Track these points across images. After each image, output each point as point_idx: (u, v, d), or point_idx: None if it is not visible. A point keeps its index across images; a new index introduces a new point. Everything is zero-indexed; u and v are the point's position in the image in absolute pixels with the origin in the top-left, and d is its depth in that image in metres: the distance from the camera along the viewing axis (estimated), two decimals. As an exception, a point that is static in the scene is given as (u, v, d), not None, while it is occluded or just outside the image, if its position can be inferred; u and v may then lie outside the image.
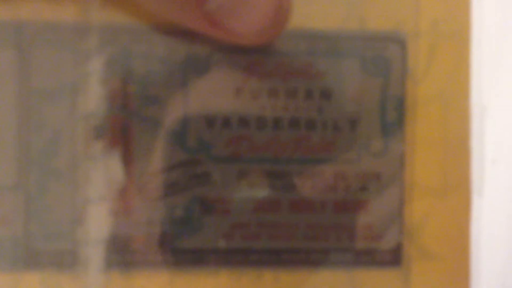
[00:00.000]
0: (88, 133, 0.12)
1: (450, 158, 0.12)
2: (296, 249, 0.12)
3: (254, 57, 0.12)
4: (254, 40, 0.11)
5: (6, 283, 0.11)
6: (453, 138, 0.12)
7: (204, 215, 0.12)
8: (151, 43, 0.12)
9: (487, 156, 0.12)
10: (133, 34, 0.12)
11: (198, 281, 0.12)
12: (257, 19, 0.10)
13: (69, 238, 0.12)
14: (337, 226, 0.12)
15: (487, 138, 0.12)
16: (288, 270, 0.12)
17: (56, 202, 0.12)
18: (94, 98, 0.12)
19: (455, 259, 0.12)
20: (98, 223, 0.12)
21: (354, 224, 0.12)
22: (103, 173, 0.12)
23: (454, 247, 0.12)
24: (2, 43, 0.11)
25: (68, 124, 0.12)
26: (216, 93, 0.12)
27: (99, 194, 0.12)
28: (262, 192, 0.12)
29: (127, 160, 0.12)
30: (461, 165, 0.12)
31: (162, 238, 0.12)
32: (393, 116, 0.12)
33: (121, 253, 0.12)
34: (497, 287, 0.12)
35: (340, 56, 0.12)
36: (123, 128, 0.12)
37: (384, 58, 0.12)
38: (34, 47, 0.11)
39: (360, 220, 0.12)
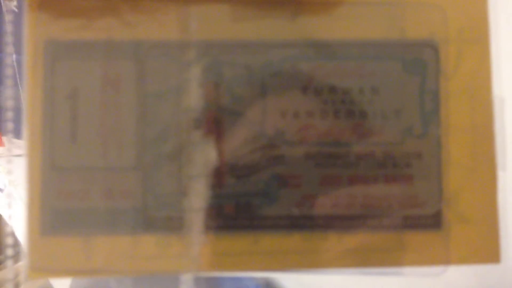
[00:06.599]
0: (190, 124, 0.15)
1: (478, 140, 0.15)
2: (355, 215, 0.15)
3: (317, 62, 0.15)
4: None
5: (129, 244, 0.15)
6: (480, 124, 0.15)
7: (280, 188, 0.15)
8: (236, 54, 0.15)
9: (508, 137, 0.15)
10: (222, 48, 0.15)
11: (276, 242, 0.15)
12: None
13: (176, 207, 0.15)
14: (387, 196, 0.15)
15: (507, 123, 0.15)
16: (349, 232, 0.15)
17: (166, 179, 0.15)
18: (193, 97, 0.15)
19: (485, 222, 0.15)
20: (198, 195, 0.15)
21: (401, 195, 0.15)
22: (202, 155, 0.15)
23: (485, 212, 0.15)
24: (124, 57, 0.15)
25: (174, 118, 0.15)
26: (287, 90, 0.15)
27: (199, 172, 0.15)
28: (325, 170, 0.15)
29: (220, 145, 0.15)
30: (487, 145, 0.15)
31: (248, 207, 0.15)
32: (430, 106, 0.15)
33: (216, 219, 0.15)
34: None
35: (386, 60, 0.15)
36: (216, 120, 0.15)
37: (421, 60, 0.15)
38: (148, 59, 0.15)
39: (406, 191, 0.15)
